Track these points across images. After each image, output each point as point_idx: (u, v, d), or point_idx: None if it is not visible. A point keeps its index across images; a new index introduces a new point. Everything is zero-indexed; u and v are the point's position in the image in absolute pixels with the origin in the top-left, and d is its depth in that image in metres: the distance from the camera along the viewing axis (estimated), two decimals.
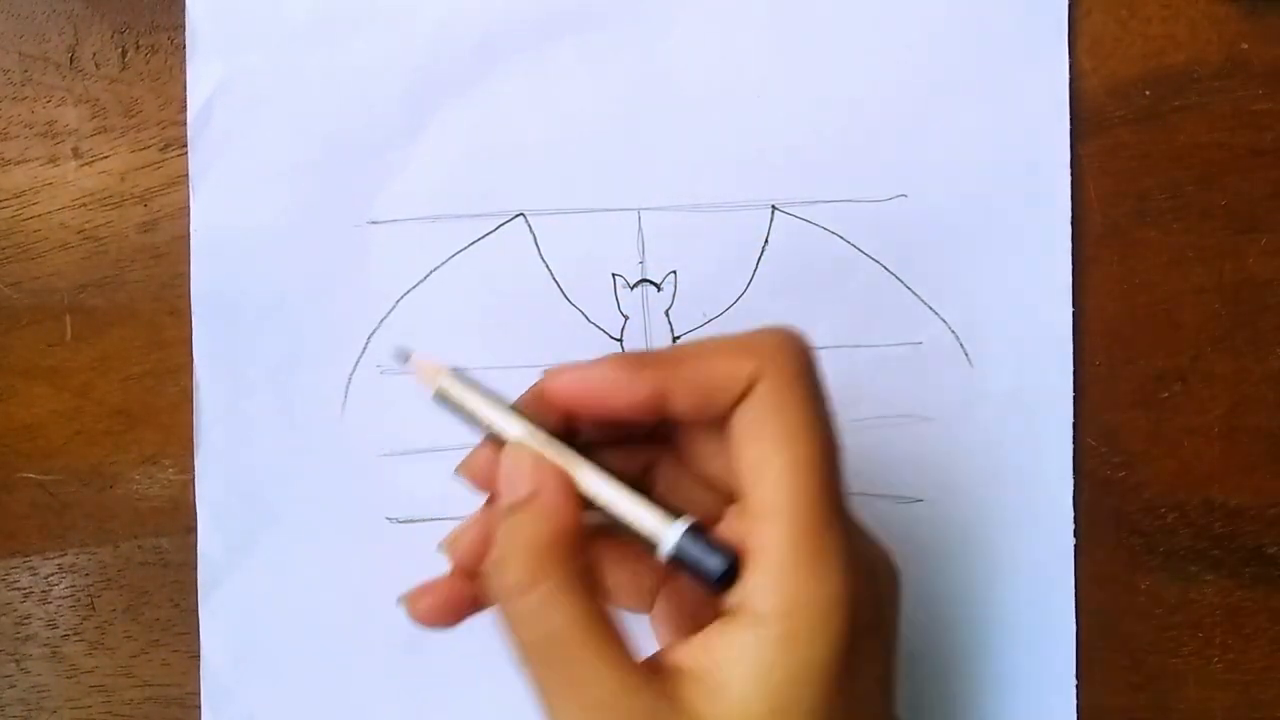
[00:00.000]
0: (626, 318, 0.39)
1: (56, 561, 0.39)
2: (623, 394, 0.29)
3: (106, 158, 0.39)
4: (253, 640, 0.39)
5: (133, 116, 0.39)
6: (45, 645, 0.40)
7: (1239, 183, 0.39)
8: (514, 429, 0.30)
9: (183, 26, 0.38)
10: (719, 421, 0.29)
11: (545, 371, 0.31)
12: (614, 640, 0.28)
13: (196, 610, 0.39)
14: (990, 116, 0.38)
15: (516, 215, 0.39)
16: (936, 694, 0.39)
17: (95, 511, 0.39)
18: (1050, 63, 0.38)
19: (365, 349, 0.39)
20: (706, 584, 0.28)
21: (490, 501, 0.32)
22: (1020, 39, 0.38)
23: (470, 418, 0.31)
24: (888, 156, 0.38)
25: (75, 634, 0.40)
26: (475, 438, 0.31)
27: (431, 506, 0.39)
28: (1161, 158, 0.39)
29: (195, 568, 0.39)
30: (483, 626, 0.39)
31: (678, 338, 0.39)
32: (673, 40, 0.39)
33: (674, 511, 0.29)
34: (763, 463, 0.28)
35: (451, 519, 0.39)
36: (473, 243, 0.39)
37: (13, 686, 0.39)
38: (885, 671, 0.29)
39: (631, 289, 0.39)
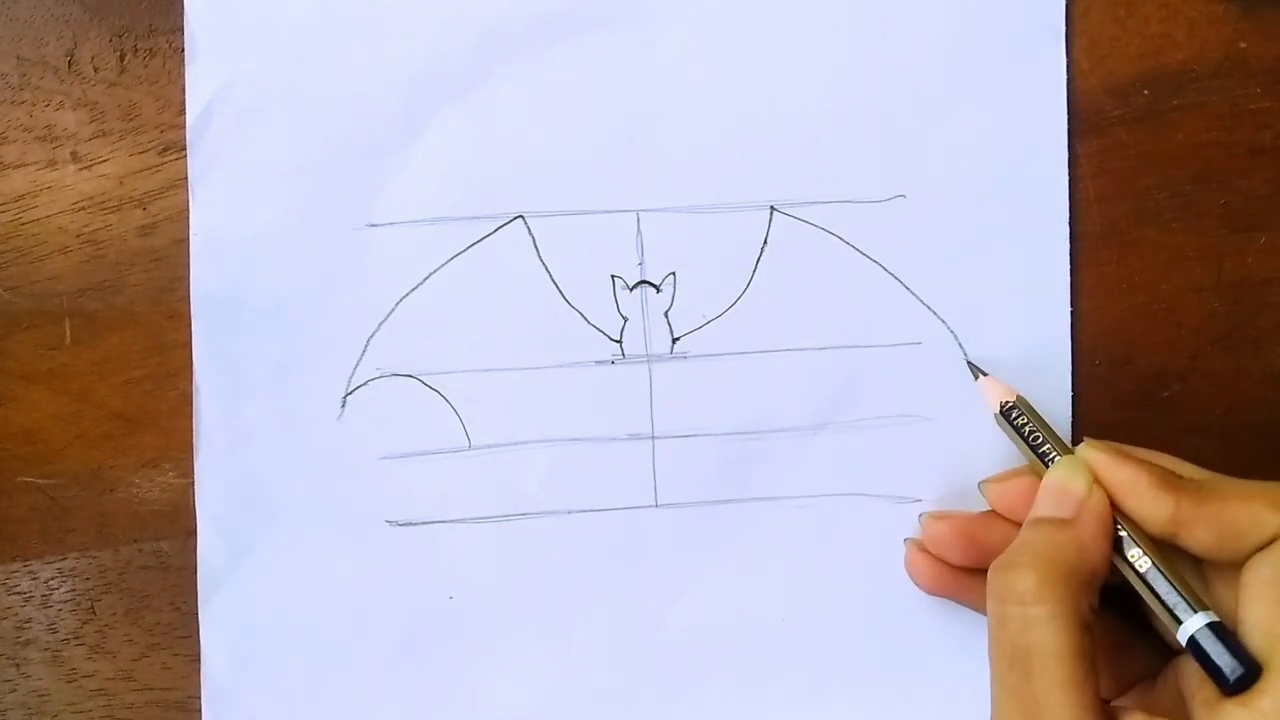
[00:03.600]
0: (626, 319, 0.39)
1: (57, 565, 0.39)
2: (1143, 506, 0.31)
3: (105, 161, 0.39)
4: (253, 643, 0.39)
5: (131, 120, 0.39)
6: (46, 649, 0.40)
7: (1238, 181, 0.39)
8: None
9: (181, 30, 0.38)
10: (1233, 563, 0.30)
11: (1090, 440, 0.33)
12: (1086, 680, 0.29)
13: (197, 614, 0.39)
14: (988, 117, 0.38)
15: (515, 217, 0.39)
16: (940, 694, 0.39)
17: (95, 515, 0.39)
18: (1048, 63, 0.38)
19: (364, 352, 0.39)
20: (1217, 679, 0.29)
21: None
22: (1018, 39, 0.38)
23: (1030, 439, 0.35)
24: (886, 157, 0.38)
25: (76, 638, 0.40)
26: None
27: (430, 509, 0.39)
28: (1160, 157, 0.39)
29: (196, 571, 0.39)
30: (481, 628, 0.39)
31: (677, 339, 0.39)
32: (671, 42, 0.39)
33: (1200, 601, 0.30)
34: (1261, 625, 0.29)
35: (450, 522, 0.39)
36: (471, 245, 0.39)
37: (13, 691, 0.39)
38: None
39: (630, 290, 0.39)
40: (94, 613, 0.40)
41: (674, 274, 0.39)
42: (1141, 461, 0.32)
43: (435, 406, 0.39)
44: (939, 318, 0.39)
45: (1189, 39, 0.39)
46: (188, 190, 0.39)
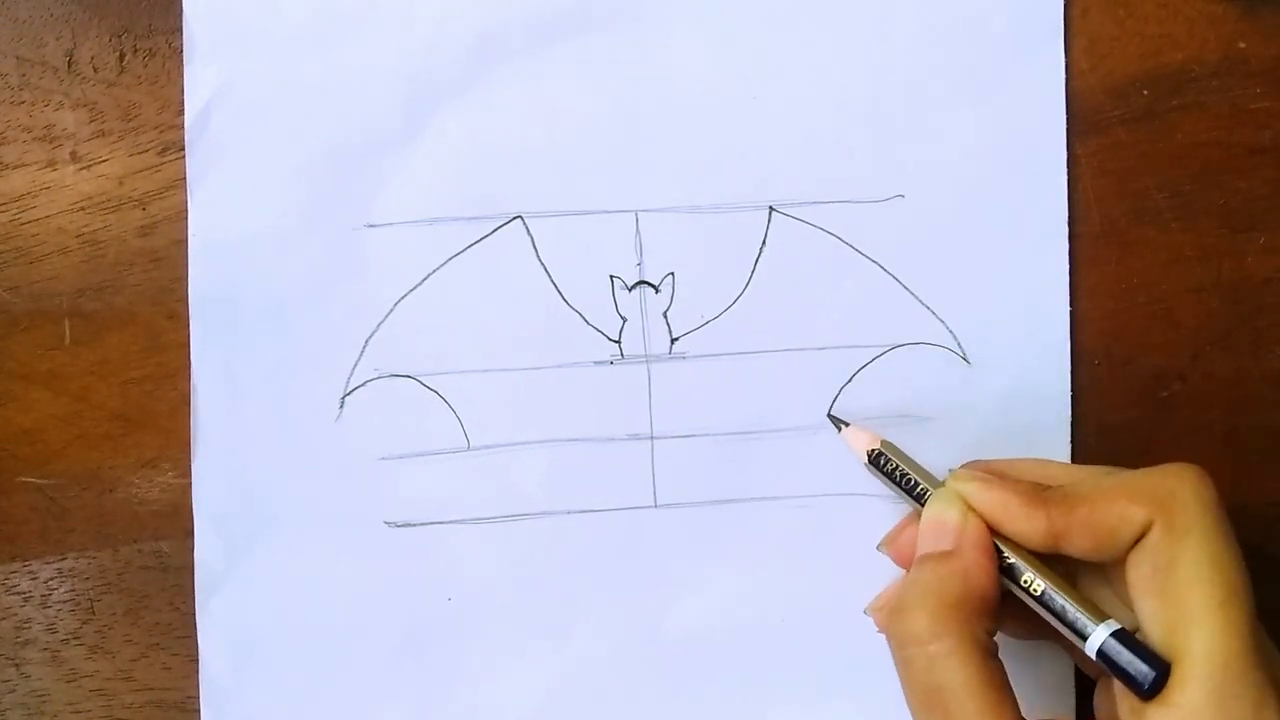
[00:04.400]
0: (625, 320, 0.39)
1: (56, 566, 0.39)
2: (1018, 527, 0.31)
3: (104, 161, 0.39)
4: (251, 644, 0.39)
5: (130, 120, 0.39)
6: (45, 649, 0.40)
7: (1237, 181, 0.39)
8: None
9: (180, 30, 0.38)
10: (1120, 562, 0.30)
11: (957, 471, 0.33)
12: (1001, 705, 0.28)
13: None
14: (987, 117, 0.38)
15: (514, 218, 0.39)
16: None
17: (95, 515, 0.39)
18: (1047, 62, 0.38)
19: (363, 352, 0.39)
20: (1131, 687, 0.29)
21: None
22: (1017, 39, 0.38)
23: (902, 482, 0.34)
24: (885, 157, 0.38)
25: (75, 638, 0.40)
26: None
27: (429, 510, 0.39)
28: (1159, 157, 0.39)
29: (195, 571, 0.39)
30: (481, 628, 0.39)
31: (676, 339, 0.39)
32: (670, 42, 0.39)
33: (1099, 613, 0.30)
34: (1156, 619, 0.28)
35: (449, 523, 0.39)
36: (470, 245, 0.39)
37: (12, 691, 0.40)
38: None
39: (629, 291, 0.39)
40: (93, 613, 0.40)
41: (673, 274, 0.39)
42: (1009, 482, 0.32)
43: (434, 407, 0.39)
44: (938, 318, 0.39)
45: (1188, 39, 0.39)
46: (187, 190, 0.39)
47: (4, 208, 0.39)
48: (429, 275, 0.39)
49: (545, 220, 0.39)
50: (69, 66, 0.39)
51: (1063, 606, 0.30)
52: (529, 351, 0.39)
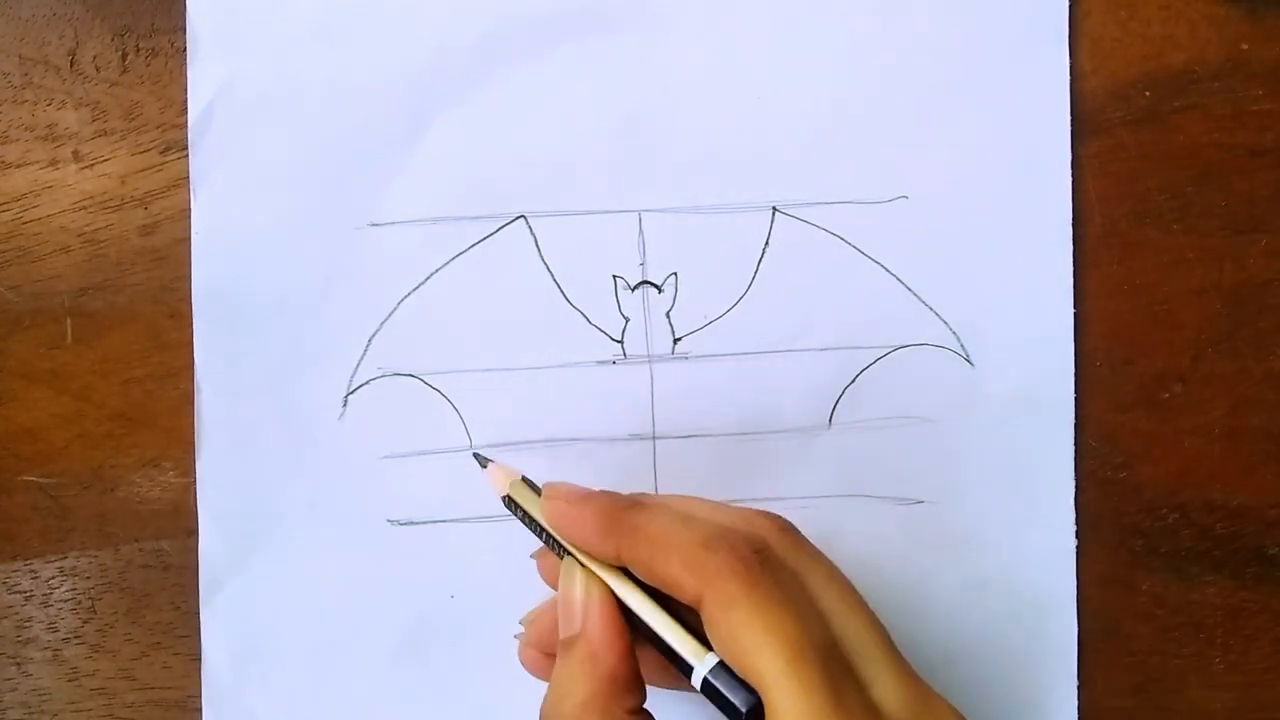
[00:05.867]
0: (627, 319, 0.39)
1: (57, 565, 0.39)
2: (595, 552, 0.31)
3: (107, 160, 0.39)
4: (254, 643, 0.39)
5: (133, 119, 0.39)
6: (46, 648, 0.40)
7: (1239, 183, 0.39)
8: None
9: (183, 29, 0.38)
10: None
11: (546, 485, 0.32)
12: None
13: (198, 613, 0.39)
14: (991, 118, 0.38)
15: (517, 217, 0.39)
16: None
17: (96, 514, 0.39)
18: (1050, 64, 0.38)
19: (366, 351, 0.39)
20: (730, 716, 0.28)
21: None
22: (1020, 40, 0.38)
23: (532, 525, 0.33)
24: (888, 158, 0.39)
25: (76, 637, 0.40)
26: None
27: (432, 509, 0.39)
28: (1161, 158, 0.39)
29: (196, 570, 0.39)
30: (483, 627, 0.39)
31: (678, 339, 0.39)
32: (673, 42, 0.39)
33: (702, 647, 0.29)
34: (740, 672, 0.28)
35: (452, 521, 0.39)
36: (473, 245, 0.39)
37: (14, 690, 0.39)
38: None
39: (632, 291, 0.39)
40: (94, 612, 0.40)
41: (675, 274, 0.39)
42: (592, 501, 0.31)
43: (437, 406, 0.39)
44: (941, 319, 0.39)
45: (1191, 40, 0.39)
46: (189, 189, 0.39)
47: (6, 207, 0.39)
48: (432, 274, 0.39)
49: (548, 220, 0.39)
50: (71, 66, 0.39)
51: (668, 641, 0.30)
52: (532, 351, 0.39)
